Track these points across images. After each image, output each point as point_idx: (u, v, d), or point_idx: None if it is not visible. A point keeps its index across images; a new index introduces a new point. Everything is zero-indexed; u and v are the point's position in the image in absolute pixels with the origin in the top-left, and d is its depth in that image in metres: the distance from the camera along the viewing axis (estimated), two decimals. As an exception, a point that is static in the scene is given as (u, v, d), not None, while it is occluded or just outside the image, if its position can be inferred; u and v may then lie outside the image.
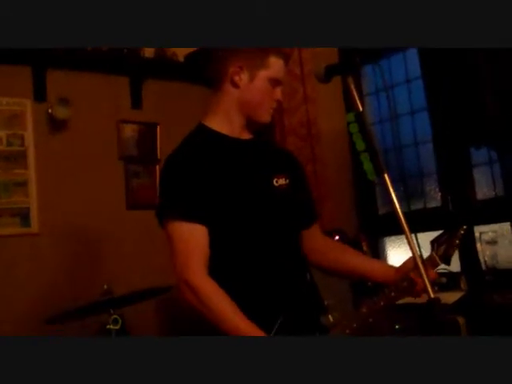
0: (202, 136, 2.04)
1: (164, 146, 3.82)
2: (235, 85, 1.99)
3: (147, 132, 3.85)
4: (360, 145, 1.75)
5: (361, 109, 1.73)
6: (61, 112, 3.56)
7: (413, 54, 3.91)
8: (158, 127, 3.87)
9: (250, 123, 2.06)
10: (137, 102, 3.84)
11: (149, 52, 3.88)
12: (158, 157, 3.83)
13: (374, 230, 4.00)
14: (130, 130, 3.80)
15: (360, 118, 1.73)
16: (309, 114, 3.98)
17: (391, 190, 1.62)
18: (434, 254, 1.91)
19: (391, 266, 2.08)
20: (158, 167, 3.77)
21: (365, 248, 3.40)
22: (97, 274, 3.40)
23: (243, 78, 1.98)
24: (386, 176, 1.64)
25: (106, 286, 2.72)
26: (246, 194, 1.97)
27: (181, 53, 3.96)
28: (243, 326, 1.76)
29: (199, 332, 1.86)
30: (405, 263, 1.98)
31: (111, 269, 3.47)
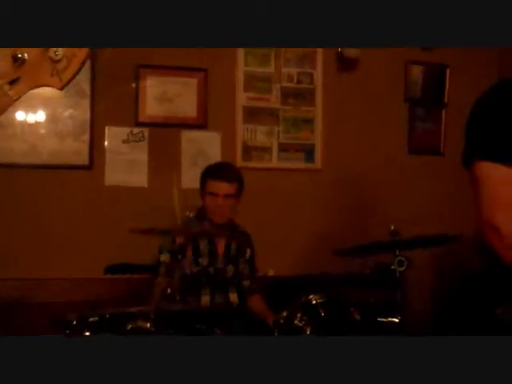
0: None
1: (452, 89, 3.74)
2: None
3: (435, 74, 3.76)
4: None
5: None
6: (351, 51, 3.65)
7: None
8: (448, 70, 3.77)
9: None
10: (428, 42, 3.76)
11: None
12: (446, 101, 3.75)
13: None
14: (417, 72, 3.75)
15: None
16: None
17: None
18: None
19: None
20: (444, 112, 3.71)
21: None
22: (378, 214, 3.48)
23: None
24: None
25: (392, 227, 2.68)
26: None
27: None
28: None
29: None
30: None
31: (394, 210, 3.51)
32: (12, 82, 1.07)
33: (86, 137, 3.29)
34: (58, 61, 1.19)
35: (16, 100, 1.10)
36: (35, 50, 1.19)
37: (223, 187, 2.78)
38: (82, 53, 1.25)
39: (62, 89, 1.16)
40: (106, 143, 3.34)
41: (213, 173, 2.83)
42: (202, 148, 3.46)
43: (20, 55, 1.15)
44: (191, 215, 2.78)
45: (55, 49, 1.21)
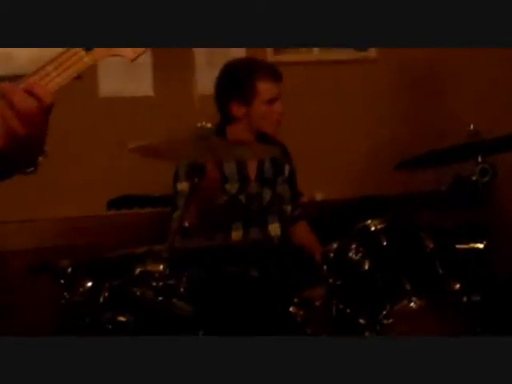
0: None
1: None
2: None
3: None
4: None
5: None
6: None
7: None
8: None
9: None
10: None
11: None
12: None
13: None
14: None
15: None
16: None
17: None
18: None
19: None
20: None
21: None
22: (453, 113, 3.32)
23: None
24: None
25: (472, 127, 2.45)
26: None
27: None
28: None
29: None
30: None
31: (473, 107, 3.32)
32: (88, 49, 1.26)
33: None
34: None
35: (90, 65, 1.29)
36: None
37: (278, 88, 2.63)
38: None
39: (133, 60, 1.31)
40: (97, 43, 3.09)
41: (264, 71, 2.62)
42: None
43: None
44: (209, 126, 2.46)
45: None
